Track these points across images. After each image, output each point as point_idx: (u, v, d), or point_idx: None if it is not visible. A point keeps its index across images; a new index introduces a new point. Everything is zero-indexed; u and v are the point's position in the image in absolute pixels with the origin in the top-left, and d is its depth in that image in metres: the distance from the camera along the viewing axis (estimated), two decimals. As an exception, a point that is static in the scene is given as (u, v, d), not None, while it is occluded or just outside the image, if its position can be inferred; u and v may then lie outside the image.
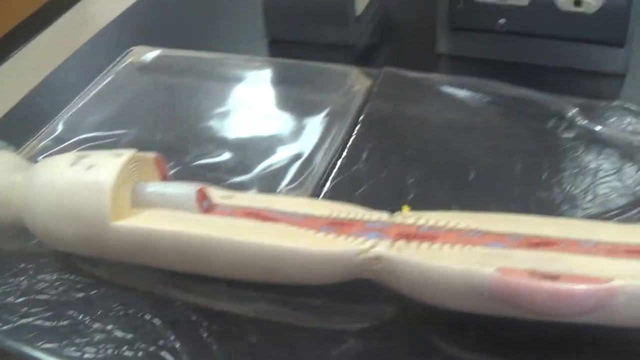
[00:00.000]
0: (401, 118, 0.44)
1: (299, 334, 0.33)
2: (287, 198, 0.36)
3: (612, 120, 0.42)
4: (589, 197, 0.37)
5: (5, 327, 0.36)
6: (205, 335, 0.33)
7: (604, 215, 0.36)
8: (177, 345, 0.33)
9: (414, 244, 0.31)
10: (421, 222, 0.33)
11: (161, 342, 0.33)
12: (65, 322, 0.35)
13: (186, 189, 0.34)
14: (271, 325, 0.33)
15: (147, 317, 0.35)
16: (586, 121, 0.42)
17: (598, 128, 0.42)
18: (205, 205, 0.34)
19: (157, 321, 0.34)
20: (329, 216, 0.34)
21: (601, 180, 0.38)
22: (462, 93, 0.46)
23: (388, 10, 0.60)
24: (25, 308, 0.37)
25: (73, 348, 0.34)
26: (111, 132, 0.46)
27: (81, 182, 0.34)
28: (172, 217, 0.34)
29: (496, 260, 0.29)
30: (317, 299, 0.34)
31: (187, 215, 0.34)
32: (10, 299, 0.37)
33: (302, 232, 0.32)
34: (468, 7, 0.49)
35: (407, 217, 0.33)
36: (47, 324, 0.35)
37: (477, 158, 0.41)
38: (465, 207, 0.34)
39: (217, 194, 0.36)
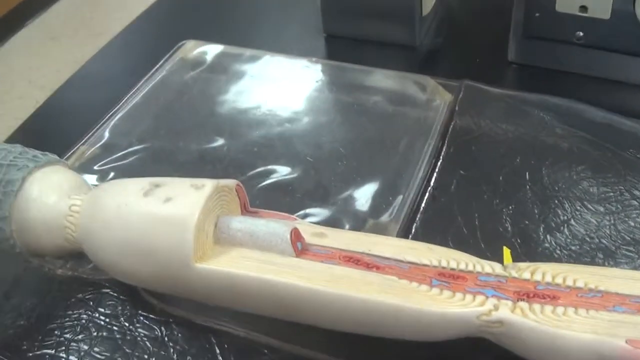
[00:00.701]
0: (489, 142, 0.40)
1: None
2: (386, 239, 0.32)
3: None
4: None
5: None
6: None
7: None
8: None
9: (536, 306, 0.28)
10: (537, 277, 0.30)
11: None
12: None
13: (279, 229, 0.31)
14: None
15: (231, 366, 0.31)
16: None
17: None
18: (299, 248, 0.31)
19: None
20: (437, 266, 0.30)
21: None
22: (550, 115, 0.43)
23: (453, 12, 0.56)
24: (86, 347, 0.33)
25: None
26: (167, 143, 0.42)
27: (159, 217, 0.30)
28: (264, 260, 0.30)
29: (624, 329, 0.27)
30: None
31: (280, 259, 0.30)
32: (68, 335, 0.34)
33: (414, 288, 0.29)
34: (546, 16, 0.46)
35: (521, 270, 0.30)
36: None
37: (572, 191, 0.37)
38: (566, 248, 0.32)
39: (307, 230, 0.32)
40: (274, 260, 0.30)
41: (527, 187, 0.38)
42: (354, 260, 0.30)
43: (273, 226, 0.31)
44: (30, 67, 0.58)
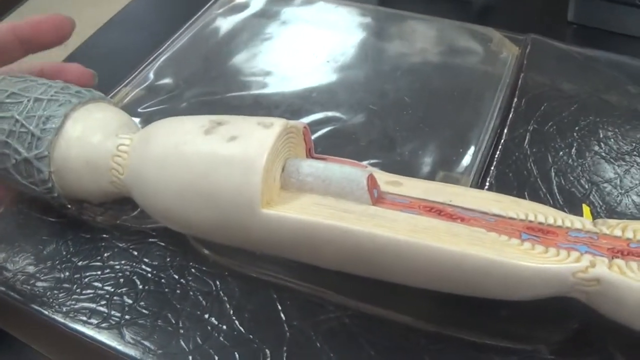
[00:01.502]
0: (561, 97, 0.38)
1: (483, 353, 0.27)
2: (467, 190, 0.30)
3: None
4: None
5: (104, 324, 0.30)
6: (367, 348, 0.27)
7: None
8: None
9: (633, 264, 0.25)
10: (628, 234, 0.27)
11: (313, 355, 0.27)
12: (180, 321, 0.29)
13: (354, 174, 0.28)
14: (448, 344, 0.27)
15: (294, 323, 0.29)
16: None
17: None
18: (375, 195, 0.28)
19: (306, 328, 0.28)
20: (524, 219, 0.28)
21: None
22: (621, 74, 0.40)
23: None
24: (130, 300, 0.30)
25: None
26: (218, 86, 0.39)
27: (222, 157, 0.28)
28: (338, 208, 0.27)
29: None
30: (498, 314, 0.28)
31: (356, 207, 0.27)
32: (109, 288, 0.31)
33: (505, 241, 0.26)
34: (611, -24, 0.43)
35: (612, 227, 0.27)
36: (160, 324, 0.29)
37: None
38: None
39: (380, 178, 0.29)
40: (349, 207, 0.27)
41: (602, 145, 0.36)
42: (435, 210, 0.28)
43: (348, 171, 0.28)
44: None
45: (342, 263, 0.28)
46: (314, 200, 0.28)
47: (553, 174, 0.34)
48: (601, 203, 0.33)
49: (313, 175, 0.28)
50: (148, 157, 0.29)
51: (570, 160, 0.34)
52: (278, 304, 0.29)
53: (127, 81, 0.40)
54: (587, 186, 0.33)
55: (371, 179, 0.28)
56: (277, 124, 0.28)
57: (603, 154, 0.35)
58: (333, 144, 0.35)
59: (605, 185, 0.33)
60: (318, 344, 0.28)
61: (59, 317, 0.31)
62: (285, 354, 0.28)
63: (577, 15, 0.47)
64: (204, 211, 0.28)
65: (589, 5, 0.46)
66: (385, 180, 0.29)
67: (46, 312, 0.31)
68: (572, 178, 0.34)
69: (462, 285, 0.27)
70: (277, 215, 0.27)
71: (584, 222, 0.28)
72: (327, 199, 0.28)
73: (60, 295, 0.31)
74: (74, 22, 0.35)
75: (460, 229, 0.27)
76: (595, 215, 0.32)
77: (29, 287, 0.32)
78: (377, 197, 0.28)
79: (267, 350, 0.28)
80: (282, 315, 0.29)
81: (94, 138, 0.31)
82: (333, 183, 0.28)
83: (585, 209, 0.32)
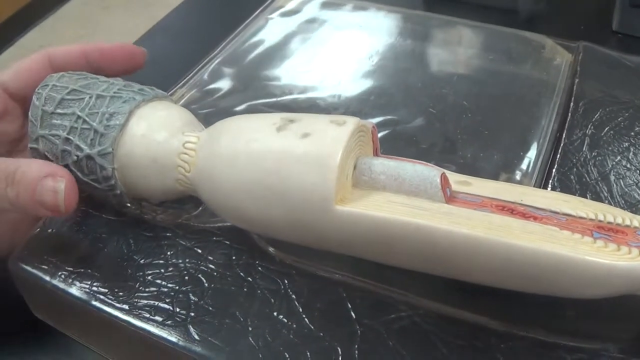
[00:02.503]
0: (615, 104, 0.38)
1: (552, 351, 0.27)
2: (535, 190, 0.30)
3: None
4: None
5: (169, 322, 0.30)
6: (439, 346, 0.27)
7: None
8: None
9: None
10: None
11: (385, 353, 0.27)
12: (248, 319, 0.29)
13: (428, 173, 0.28)
14: (518, 343, 0.27)
15: (365, 321, 0.29)
16: None
17: None
18: (449, 194, 0.28)
19: (377, 326, 0.28)
20: (594, 219, 0.28)
21: None
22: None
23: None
24: (196, 298, 0.30)
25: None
26: (274, 89, 0.39)
27: (296, 154, 0.28)
28: (413, 205, 0.27)
29: None
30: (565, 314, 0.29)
31: (430, 205, 0.28)
32: (173, 285, 0.31)
33: (578, 239, 0.26)
34: (654, -15, 0.44)
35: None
36: (228, 321, 0.29)
37: None
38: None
39: (450, 178, 0.29)
40: (423, 205, 0.28)
41: (660, 152, 0.36)
42: (508, 209, 0.28)
43: (421, 169, 0.28)
44: (81, 35, 0.56)
45: (415, 261, 0.28)
46: (387, 198, 0.28)
47: (613, 177, 0.34)
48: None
49: (385, 173, 0.28)
50: (217, 154, 0.30)
51: (628, 164, 0.34)
52: (348, 303, 0.29)
53: (181, 83, 0.41)
54: (643, 186, 0.33)
55: (444, 178, 0.28)
56: (350, 121, 0.28)
57: (663, 160, 0.35)
58: (394, 147, 0.35)
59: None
60: (390, 343, 0.28)
61: (121, 315, 0.31)
62: (356, 352, 0.28)
63: (621, 24, 0.47)
64: (275, 209, 0.28)
65: (633, 14, 0.46)
66: (455, 180, 0.29)
67: (107, 310, 0.31)
68: (631, 182, 0.34)
69: (536, 282, 0.27)
70: (351, 212, 0.27)
71: (651, 222, 0.28)
72: (400, 197, 0.28)
73: (122, 293, 0.31)
74: (145, 52, 0.35)
75: (534, 226, 0.27)
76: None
77: (88, 285, 0.32)
78: (450, 196, 0.28)
79: (338, 348, 0.28)
80: (352, 313, 0.29)
81: (159, 135, 0.31)
82: (406, 181, 0.28)
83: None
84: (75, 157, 0.31)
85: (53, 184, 0.30)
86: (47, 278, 0.32)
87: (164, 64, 0.46)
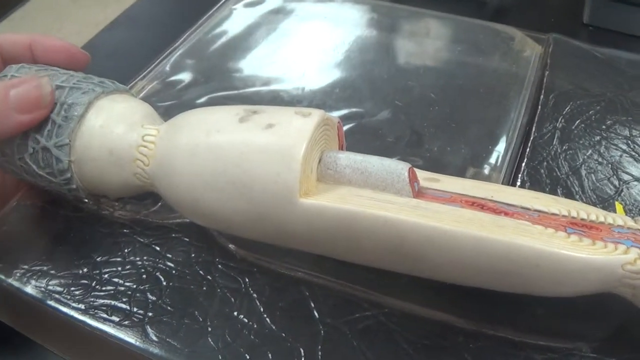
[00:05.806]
0: (586, 96, 0.37)
1: (522, 350, 0.27)
2: (506, 188, 0.29)
3: None
4: None
5: (126, 322, 0.28)
6: (405, 346, 0.26)
7: None
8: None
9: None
10: (671, 230, 0.26)
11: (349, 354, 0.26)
12: (207, 319, 0.28)
13: (395, 167, 0.27)
14: (486, 342, 0.27)
15: (328, 321, 0.28)
16: None
17: None
18: (416, 188, 0.27)
19: (341, 326, 0.27)
20: (567, 215, 0.27)
21: None
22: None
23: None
24: (154, 297, 0.29)
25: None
26: (237, 81, 0.38)
27: (258, 145, 0.26)
28: (380, 199, 0.26)
29: None
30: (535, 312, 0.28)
31: (397, 199, 0.26)
32: (131, 284, 0.30)
33: (552, 234, 0.25)
34: (630, -22, 0.43)
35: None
36: (187, 321, 0.28)
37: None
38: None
39: (419, 176, 0.28)
40: (390, 199, 0.26)
41: (630, 143, 0.35)
42: (478, 204, 0.27)
43: (388, 163, 0.27)
44: (51, 28, 0.54)
45: (382, 258, 0.27)
46: (353, 192, 0.27)
47: (584, 171, 0.33)
48: (632, 201, 0.32)
49: (351, 166, 0.27)
50: (177, 146, 0.28)
51: (600, 158, 0.34)
52: (311, 302, 0.28)
53: (142, 75, 0.39)
54: (617, 184, 0.33)
55: (411, 172, 0.27)
56: (316, 113, 0.27)
57: (632, 152, 0.34)
58: (359, 140, 0.34)
59: (635, 183, 0.33)
60: (354, 343, 0.27)
61: (77, 315, 0.29)
62: (320, 353, 0.27)
63: (592, 17, 0.46)
64: (237, 202, 0.27)
65: (604, 7, 0.46)
66: (423, 177, 0.28)
67: (63, 310, 0.30)
68: (602, 176, 0.33)
69: (508, 279, 0.26)
70: (316, 205, 0.26)
71: (624, 219, 0.27)
72: (367, 191, 0.27)
73: (78, 292, 0.30)
74: (88, 57, 0.34)
75: (506, 221, 0.26)
76: (626, 213, 0.31)
77: (44, 284, 0.30)
78: (418, 191, 0.27)
79: (301, 348, 0.27)
80: (316, 313, 0.28)
81: (117, 127, 0.30)
82: (372, 175, 0.27)
83: (619, 206, 0.32)
84: (31, 150, 0.30)
85: (35, 82, 0.29)
86: (2, 276, 0.31)
87: (127, 55, 0.45)
